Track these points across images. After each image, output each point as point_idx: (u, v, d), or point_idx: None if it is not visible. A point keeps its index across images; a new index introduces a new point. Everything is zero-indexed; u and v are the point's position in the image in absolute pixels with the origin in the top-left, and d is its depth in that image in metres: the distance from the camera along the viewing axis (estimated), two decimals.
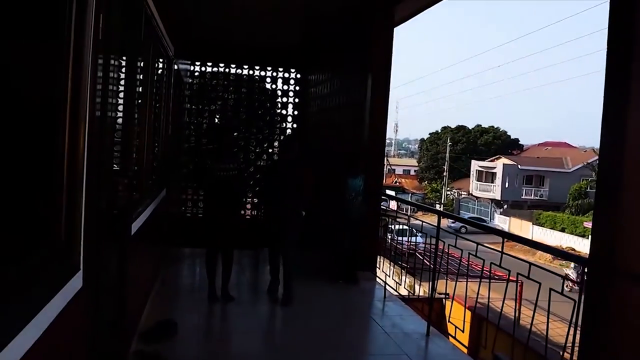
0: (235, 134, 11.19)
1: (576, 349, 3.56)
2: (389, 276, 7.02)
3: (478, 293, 5.05)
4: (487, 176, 54.77)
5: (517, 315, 5.42)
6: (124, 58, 3.82)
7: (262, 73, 11.59)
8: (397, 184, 62.94)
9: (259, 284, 7.23)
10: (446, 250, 5.86)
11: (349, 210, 7.29)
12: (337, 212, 7.58)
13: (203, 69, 11.37)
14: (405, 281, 6.81)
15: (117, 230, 3.35)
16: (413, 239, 9.89)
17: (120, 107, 3.73)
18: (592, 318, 3.41)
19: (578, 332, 3.50)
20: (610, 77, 3.34)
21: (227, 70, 11.47)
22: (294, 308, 6.37)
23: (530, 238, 4.78)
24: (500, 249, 4.45)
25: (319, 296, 6.81)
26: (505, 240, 4.58)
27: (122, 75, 3.79)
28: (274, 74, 11.62)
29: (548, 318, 4.17)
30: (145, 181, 4.86)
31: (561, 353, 4.05)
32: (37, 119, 2.11)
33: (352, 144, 8.12)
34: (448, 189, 58.72)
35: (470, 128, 65.23)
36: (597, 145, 3.52)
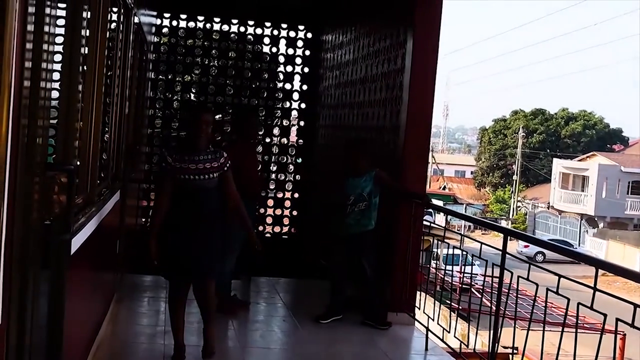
0: (219, 116, 11.27)
1: None
2: (433, 320, 7.01)
3: (559, 347, 5.03)
4: (575, 181, 54.54)
5: None
6: (64, 6, 3.85)
7: (258, 31, 11.64)
8: (447, 190, 62.82)
9: (249, 331, 7.25)
10: (514, 286, 5.84)
11: (342, 223, 7.38)
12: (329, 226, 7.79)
13: (174, 23, 11.45)
14: (456, 328, 6.81)
15: (51, 247, 3.37)
16: (468, 268, 9.86)
17: (58, 76, 3.76)
18: None
19: None
20: None
21: (208, 25, 11.53)
22: None
23: (637, 270, 4.75)
24: (592, 285, 4.43)
25: (336, 346, 6.81)
26: (601, 272, 4.56)
27: (61, 31, 3.81)
28: (275, 32, 11.66)
29: None
30: (91, 180, 4.89)
31: None
32: None
33: (383, 133, 8.12)
34: (519, 199, 58.54)
35: (552, 113, 65.02)
36: None
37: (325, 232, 8.74)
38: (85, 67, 4.50)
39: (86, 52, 4.48)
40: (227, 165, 5.77)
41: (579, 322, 5.14)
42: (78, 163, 4.37)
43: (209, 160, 5.65)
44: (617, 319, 4.40)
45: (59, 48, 3.73)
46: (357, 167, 7.31)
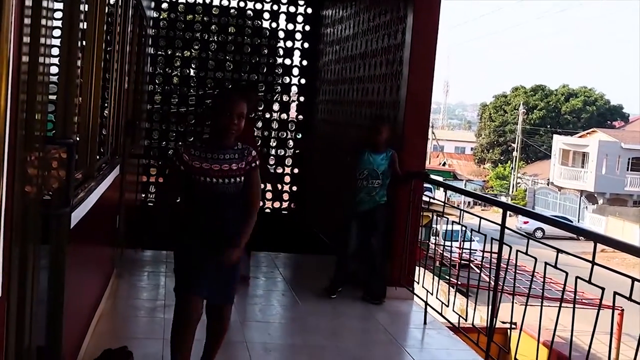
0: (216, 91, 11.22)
1: None
2: (432, 294, 7.04)
3: (557, 322, 5.05)
4: (575, 158, 54.43)
5: (613, 354, 5.44)
6: None
7: (258, 6, 11.58)
8: (447, 166, 62.78)
9: (249, 305, 7.28)
10: (513, 261, 5.86)
11: (354, 198, 7.38)
12: (341, 202, 7.74)
13: None
14: (454, 302, 6.84)
15: (50, 221, 3.38)
16: (467, 244, 9.88)
17: (57, 51, 3.74)
18: None
19: None
20: None
21: (207, 0, 11.47)
22: (297, 339, 6.41)
23: (637, 245, 4.75)
24: (591, 259, 4.44)
25: (335, 320, 6.86)
26: (599, 248, 4.56)
27: (60, 6, 3.80)
28: (275, 7, 11.61)
29: None
30: (90, 155, 4.89)
31: None
32: None
33: (383, 108, 8.10)
34: (519, 175, 58.51)
35: (552, 89, 64.82)
36: None
37: (334, 207, 8.73)
38: (84, 42, 4.49)
39: (85, 27, 4.47)
40: (255, 163, 4.63)
41: (577, 297, 5.17)
42: (77, 138, 4.37)
43: (236, 160, 4.54)
44: (615, 293, 4.42)
45: (58, 23, 3.71)
46: (379, 143, 7.32)
